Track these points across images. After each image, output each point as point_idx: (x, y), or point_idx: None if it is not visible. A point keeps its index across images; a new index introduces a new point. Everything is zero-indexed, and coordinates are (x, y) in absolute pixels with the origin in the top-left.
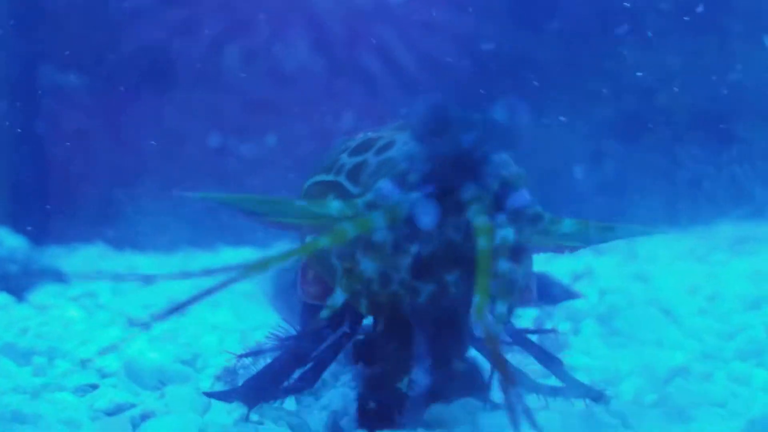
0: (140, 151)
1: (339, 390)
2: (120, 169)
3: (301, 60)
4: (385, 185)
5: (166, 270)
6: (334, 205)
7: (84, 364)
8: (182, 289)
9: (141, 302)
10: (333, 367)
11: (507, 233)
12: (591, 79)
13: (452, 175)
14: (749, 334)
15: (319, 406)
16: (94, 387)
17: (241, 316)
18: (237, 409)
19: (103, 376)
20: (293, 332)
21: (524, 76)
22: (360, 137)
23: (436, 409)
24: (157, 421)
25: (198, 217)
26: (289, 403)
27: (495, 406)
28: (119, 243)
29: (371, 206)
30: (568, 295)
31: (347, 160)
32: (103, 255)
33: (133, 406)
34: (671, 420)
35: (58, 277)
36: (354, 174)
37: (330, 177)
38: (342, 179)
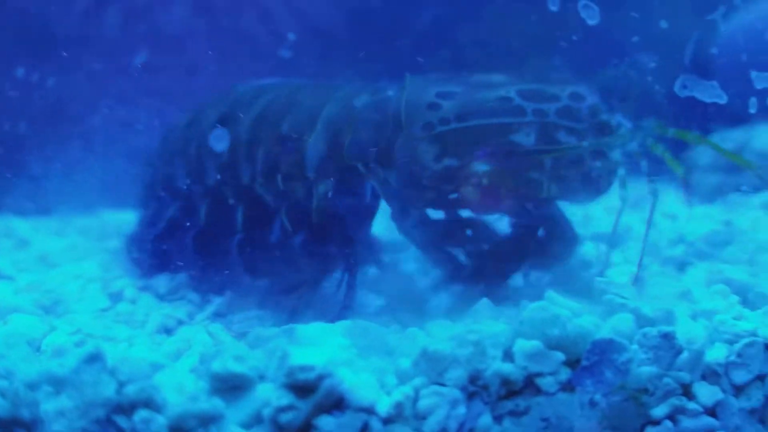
0: (18, 115)
1: None
2: None
3: (174, 20)
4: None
5: (44, 232)
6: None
7: None
8: (53, 249)
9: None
10: None
11: None
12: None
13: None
14: None
15: None
16: None
17: (106, 268)
18: None
19: None
20: None
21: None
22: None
23: None
24: None
25: (78, 180)
26: None
27: None
28: None
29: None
30: None
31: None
32: None
33: None
34: None
35: None
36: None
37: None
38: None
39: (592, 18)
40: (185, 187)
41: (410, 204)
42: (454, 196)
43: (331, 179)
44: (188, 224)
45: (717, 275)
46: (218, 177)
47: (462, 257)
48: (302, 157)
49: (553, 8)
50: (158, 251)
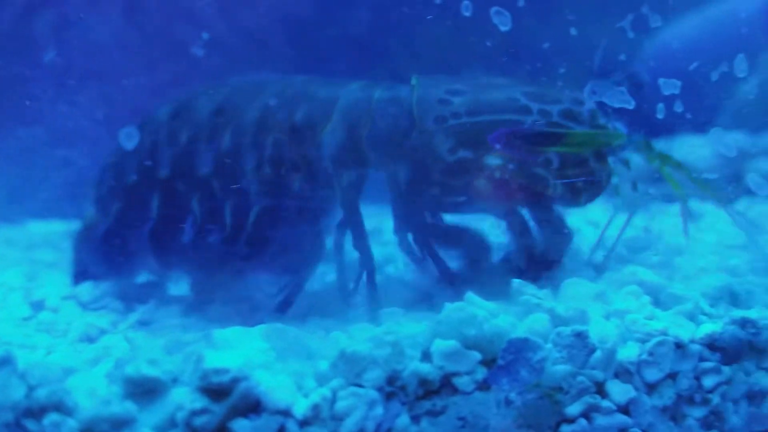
0: None
1: None
2: None
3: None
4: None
5: None
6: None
7: None
8: None
9: None
10: None
11: None
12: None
13: None
14: None
15: None
16: None
17: (31, 278)
18: None
19: None
20: None
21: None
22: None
23: None
24: None
25: (4, 190)
26: None
27: None
28: None
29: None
30: None
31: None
32: None
33: None
34: None
35: None
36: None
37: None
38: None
39: (504, 24)
40: (164, 179)
41: (417, 200)
42: (461, 194)
43: (353, 171)
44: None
45: (632, 277)
46: (211, 170)
47: (454, 263)
48: (318, 147)
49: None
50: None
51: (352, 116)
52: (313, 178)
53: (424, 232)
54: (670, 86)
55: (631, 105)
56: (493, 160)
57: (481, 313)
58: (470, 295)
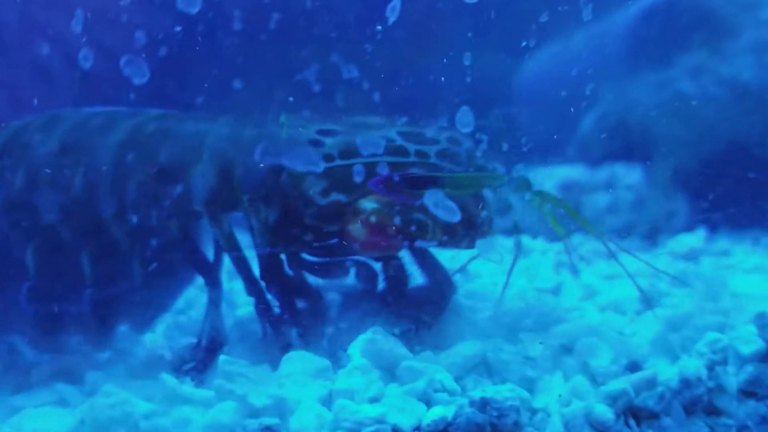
0: None
1: None
2: None
3: None
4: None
5: None
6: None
7: None
8: None
9: None
10: None
11: None
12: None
13: None
14: None
15: None
16: None
17: None
18: None
19: None
20: None
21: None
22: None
23: None
24: None
25: None
26: None
27: None
28: None
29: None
30: None
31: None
32: None
33: None
34: None
35: None
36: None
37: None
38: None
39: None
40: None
41: (284, 244)
42: (332, 238)
43: (226, 213)
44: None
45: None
46: (58, 216)
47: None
48: (187, 190)
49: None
50: None
51: (224, 157)
52: (184, 224)
53: (281, 284)
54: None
55: (319, 168)
56: (368, 204)
57: (139, 409)
58: (111, 387)
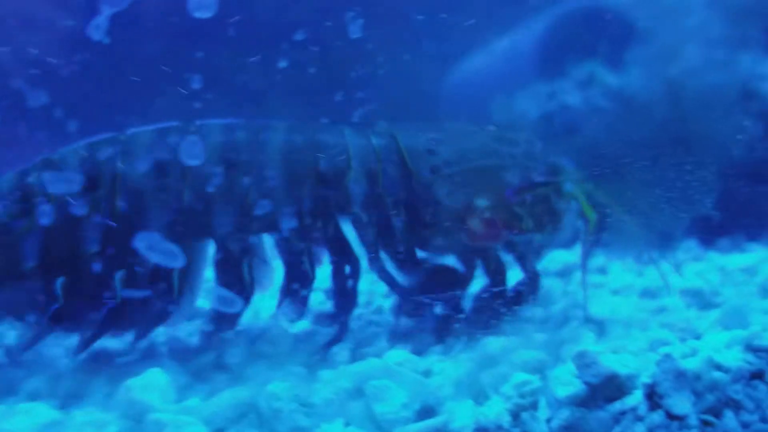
0: None
1: None
2: None
3: None
4: None
5: None
6: None
7: None
8: None
9: None
10: None
11: None
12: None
13: None
14: None
15: None
16: None
17: None
18: None
19: None
20: None
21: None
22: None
23: None
24: None
25: None
26: None
27: None
28: None
29: None
30: None
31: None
32: None
33: None
34: None
35: None
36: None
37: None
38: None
39: None
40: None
41: (413, 246)
42: (457, 236)
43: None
44: None
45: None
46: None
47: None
48: (347, 194)
49: None
50: None
51: (369, 164)
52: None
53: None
54: None
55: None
56: (485, 203)
57: None
58: None
